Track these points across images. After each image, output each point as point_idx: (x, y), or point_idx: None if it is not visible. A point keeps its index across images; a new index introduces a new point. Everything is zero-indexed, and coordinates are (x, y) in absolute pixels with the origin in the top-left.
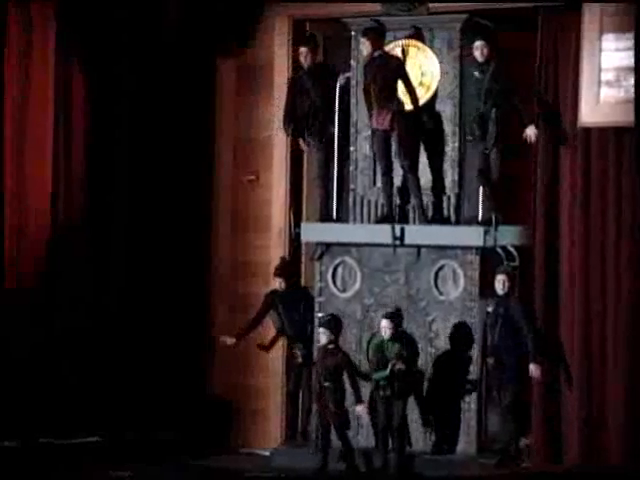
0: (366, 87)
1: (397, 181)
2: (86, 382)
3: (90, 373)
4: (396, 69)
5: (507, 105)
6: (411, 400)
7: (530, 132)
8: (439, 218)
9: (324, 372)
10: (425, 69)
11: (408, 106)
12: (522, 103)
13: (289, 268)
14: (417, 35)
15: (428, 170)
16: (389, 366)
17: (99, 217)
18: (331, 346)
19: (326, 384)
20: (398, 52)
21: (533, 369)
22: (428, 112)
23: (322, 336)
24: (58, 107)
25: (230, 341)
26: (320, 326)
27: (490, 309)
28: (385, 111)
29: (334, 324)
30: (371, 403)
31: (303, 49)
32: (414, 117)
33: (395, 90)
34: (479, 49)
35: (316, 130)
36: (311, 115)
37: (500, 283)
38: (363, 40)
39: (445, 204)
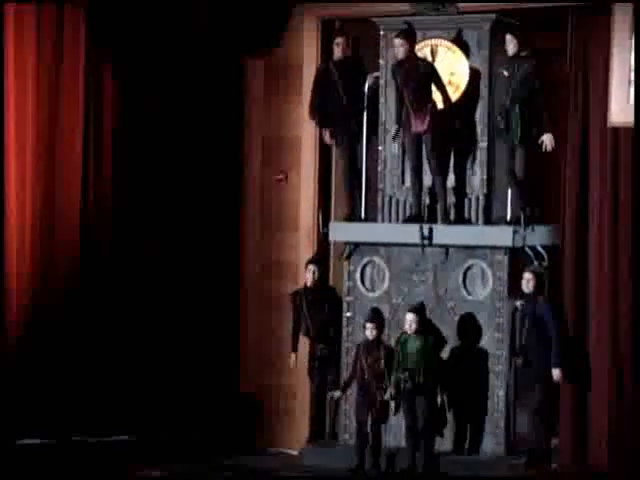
0: (399, 90)
1: (426, 181)
2: (118, 380)
3: (122, 372)
4: (427, 72)
5: (532, 105)
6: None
7: (547, 140)
8: (467, 218)
9: (376, 366)
10: (454, 69)
11: (439, 105)
12: (548, 108)
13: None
14: (458, 38)
15: (457, 170)
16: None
17: (129, 218)
18: (377, 340)
19: (376, 378)
20: (427, 52)
21: (556, 374)
22: (457, 112)
23: (371, 331)
24: (88, 106)
25: (293, 358)
26: (367, 321)
27: (519, 309)
28: (423, 114)
29: (379, 318)
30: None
31: (340, 39)
32: (448, 118)
33: (430, 93)
34: (506, 43)
35: (340, 125)
36: (336, 109)
37: (526, 281)
38: (399, 41)
39: (474, 204)
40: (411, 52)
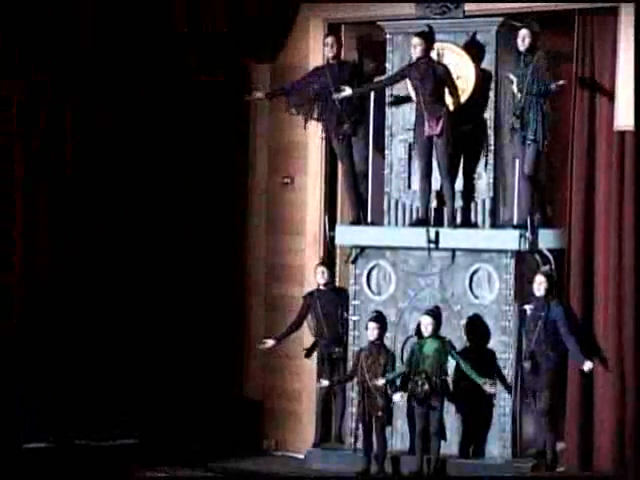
0: (398, 78)
1: (434, 184)
2: (122, 384)
3: (126, 375)
4: (443, 74)
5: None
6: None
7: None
8: (474, 221)
9: (374, 368)
10: (460, 72)
11: (450, 107)
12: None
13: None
14: (470, 41)
15: (465, 173)
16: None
17: (136, 222)
18: (378, 342)
19: (377, 379)
20: (433, 55)
21: (587, 366)
22: (466, 115)
23: (373, 331)
24: (92, 108)
25: (270, 343)
26: (371, 321)
27: (528, 312)
28: (436, 117)
29: (382, 319)
30: (409, 407)
31: (329, 39)
32: (458, 122)
33: (444, 96)
34: (521, 37)
35: (333, 126)
36: (329, 112)
37: (538, 284)
38: (418, 41)
39: (480, 207)
40: (427, 54)
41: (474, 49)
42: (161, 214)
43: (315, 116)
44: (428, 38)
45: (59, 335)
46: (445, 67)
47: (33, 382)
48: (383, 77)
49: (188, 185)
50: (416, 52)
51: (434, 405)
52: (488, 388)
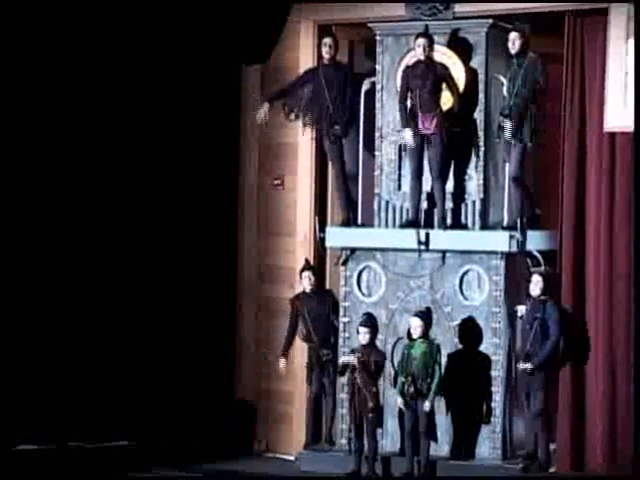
0: (406, 90)
1: (425, 186)
2: (115, 386)
3: (119, 377)
4: (443, 74)
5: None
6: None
7: None
8: (464, 223)
9: (365, 370)
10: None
11: (445, 106)
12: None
13: (314, 267)
14: (454, 40)
15: (455, 174)
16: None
17: (126, 222)
18: (370, 345)
19: (367, 382)
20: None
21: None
22: (457, 116)
23: (365, 336)
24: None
25: (283, 362)
26: (362, 325)
27: (523, 313)
28: (431, 116)
29: (373, 323)
30: (399, 409)
31: (328, 40)
32: (452, 122)
33: (440, 96)
34: (511, 40)
35: (325, 128)
36: (321, 113)
37: (534, 284)
38: (424, 41)
39: (470, 209)
40: (429, 55)
41: (464, 50)
42: (153, 215)
43: (309, 118)
44: (431, 38)
45: (54, 337)
46: (444, 66)
47: (27, 384)
48: (374, 78)
49: (179, 186)
50: (422, 52)
51: (421, 406)
52: (426, 407)
